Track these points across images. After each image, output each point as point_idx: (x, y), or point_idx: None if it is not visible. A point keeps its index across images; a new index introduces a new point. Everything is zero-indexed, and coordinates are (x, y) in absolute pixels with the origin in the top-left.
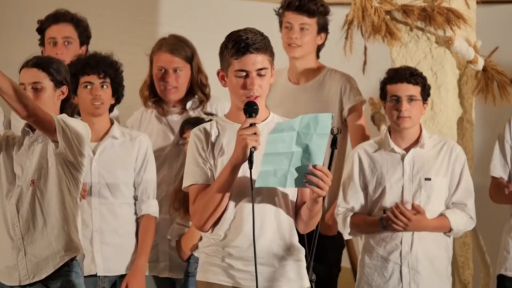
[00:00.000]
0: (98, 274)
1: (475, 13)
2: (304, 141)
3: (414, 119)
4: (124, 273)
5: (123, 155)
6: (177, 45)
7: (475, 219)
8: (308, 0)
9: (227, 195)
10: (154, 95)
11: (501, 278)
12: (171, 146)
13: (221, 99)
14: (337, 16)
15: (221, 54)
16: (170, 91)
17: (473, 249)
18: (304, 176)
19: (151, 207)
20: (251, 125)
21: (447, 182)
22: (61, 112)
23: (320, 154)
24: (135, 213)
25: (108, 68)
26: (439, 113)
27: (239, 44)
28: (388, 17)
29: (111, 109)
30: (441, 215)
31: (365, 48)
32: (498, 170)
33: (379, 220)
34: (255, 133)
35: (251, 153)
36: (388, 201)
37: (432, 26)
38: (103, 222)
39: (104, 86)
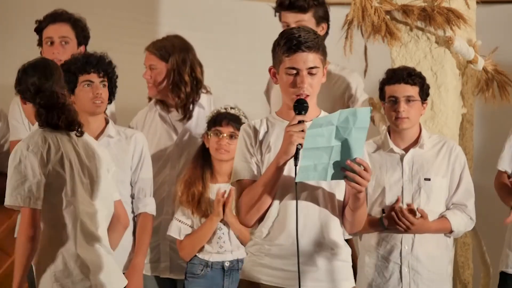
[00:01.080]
0: None
1: (475, 13)
2: (343, 135)
3: (413, 120)
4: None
5: (119, 154)
6: (157, 43)
7: (475, 219)
8: None
9: (273, 191)
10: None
11: (503, 275)
12: (174, 146)
13: (222, 99)
14: (337, 16)
15: (273, 51)
16: (148, 87)
17: (473, 249)
18: (341, 171)
19: (148, 205)
20: (300, 122)
21: (447, 182)
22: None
23: (360, 148)
24: (132, 212)
25: (107, 68)
26: (439, 113)
27: (291, 41)
28: (388, 17)
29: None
30: (442, 216)
31: (365, 48)
32: (504, 164)
33: (379, 220)
34: (302, 130)
35: (297, 150)
36: (388, 201)
37: (432, 26)
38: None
39: (104, 85)
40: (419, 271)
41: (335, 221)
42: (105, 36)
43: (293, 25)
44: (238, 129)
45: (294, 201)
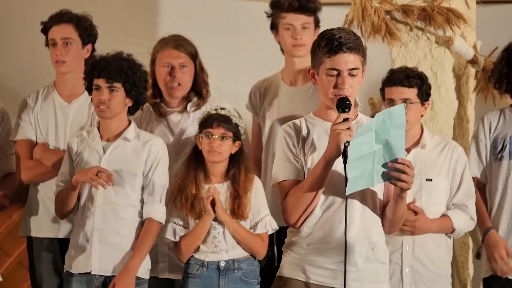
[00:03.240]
0: (92, 273)
1: (475, 13)
2: (383, 137)
3: (411, 122)
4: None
5: (132, 158)
6: (181, 41)
7: (476, 219)
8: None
9: (320, 191)
10: (155, 97)
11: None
12: (171, 146)
13: (220, 99)
14: (337, 16)
15: (313, 52)
16: (176, 88)
17: (473, 249)
18: (386, 173)
19: (156, 212)
20: (345, 120)
21: (449, 183)
22: None
23: (400, 146)
24: (141, 216)
25: (116, 73)
26: (439, 113)
27: (332, 42)
28: (388, 17)
29: (132, 110)
30: (443, 215)
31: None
32: (472, 169)
33: None
34: (348, 128)
35: (345, 148)
36: None
37: (432, 26)
38: (105, 221)
39: (114, 91)
40: (420, 271)
41: (377, 221)
42: (105, 36)
43: (298, 27)
44: (229, 130)
45: (338, 201)
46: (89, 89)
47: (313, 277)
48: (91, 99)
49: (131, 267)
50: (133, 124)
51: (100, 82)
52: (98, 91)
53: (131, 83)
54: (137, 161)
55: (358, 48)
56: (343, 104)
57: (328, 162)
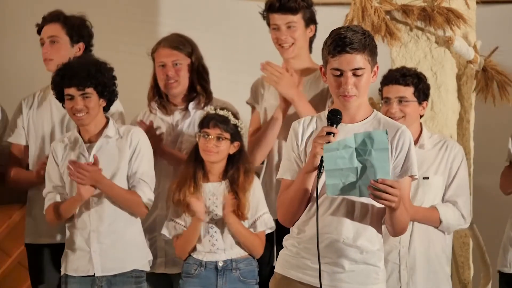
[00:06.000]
0: (96, 275)
1: (475, 13)
2: (364, 157)
3: (409, 119)
4: (121, 271)
5: (117, 153)
6: (176, 41)
7: (468, 218)
8: None
9: (305, 197)
10: (158, 96)
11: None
12: (169, 143)
13: (219, 99)
14: (337, 16)
15: (322, 50)
16: (172, 85)
17: (473, 249)
18: (369, 190)
19: (143, 193)
20: (328, 134)
21: (444, 180)
22: None
23: (384, 167)
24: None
25: (86, 79)
26: (439, 113)
27: (336, 42)
28: (388, 17)
29: (106, 108)
30: (432, 207)
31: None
32: (509, 155)
33: None
34: (328, 142)
35: (322, 161)
36: None
37: (432, 26)
38: (100, 221)
39: (87, 97)
40: (417, 270)
41: (368, 228)
42: (105, 36)
43: (283, 27)
44: (226, 131)
45: (327, 204)
46: (60, 98)
47: (300, 275)
48: (62, 105)
49: (107, 181)
50: (111, 121)
51: (72, 91)
52: (72, 100)
53: (102, 85)
54: (122, 155)
55: (364, 48)
56: (332, 118)
57: (305, 172)
